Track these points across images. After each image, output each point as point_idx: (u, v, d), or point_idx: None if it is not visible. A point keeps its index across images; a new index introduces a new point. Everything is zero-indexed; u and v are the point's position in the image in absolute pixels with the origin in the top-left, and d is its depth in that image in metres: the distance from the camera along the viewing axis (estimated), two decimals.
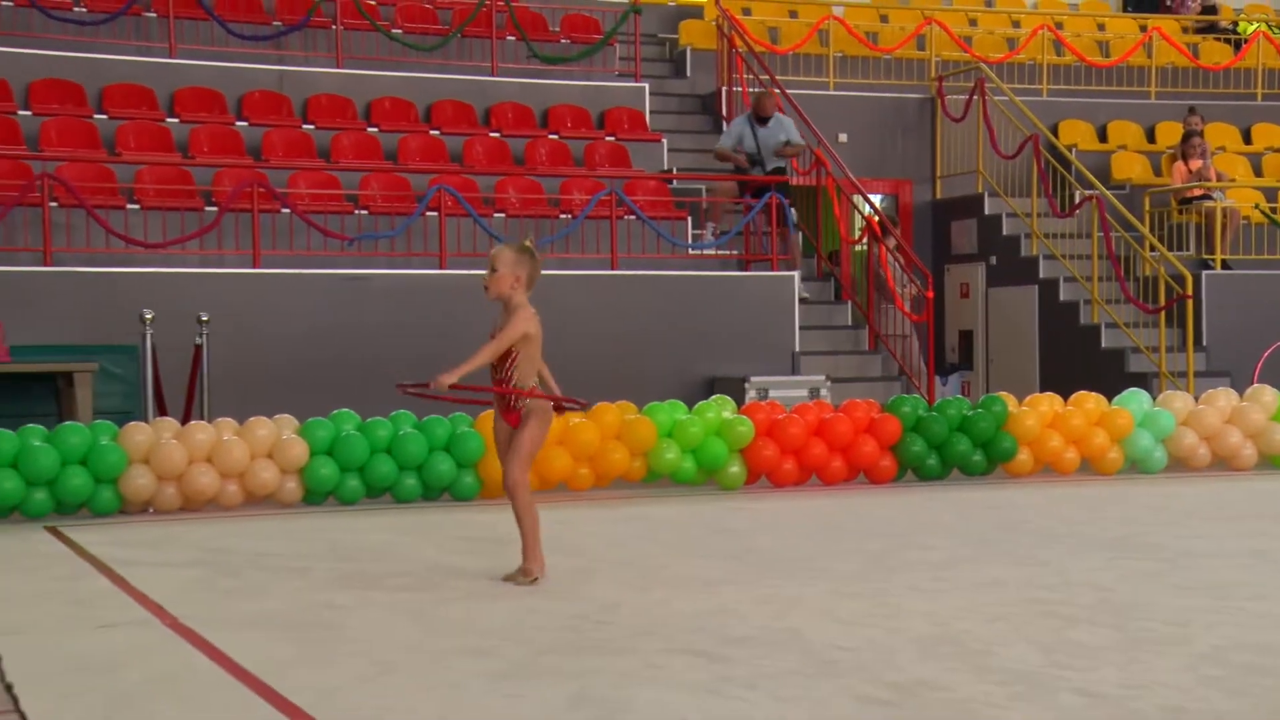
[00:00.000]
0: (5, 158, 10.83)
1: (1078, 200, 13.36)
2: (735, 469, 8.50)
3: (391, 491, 7.91)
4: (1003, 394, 9.25)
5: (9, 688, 3.88)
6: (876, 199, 14.96)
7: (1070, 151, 14.47)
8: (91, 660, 4.21)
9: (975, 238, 14.54)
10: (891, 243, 12.51)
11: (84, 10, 12.97)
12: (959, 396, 9.38)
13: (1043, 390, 11.55)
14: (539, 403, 5.37)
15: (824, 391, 11.10)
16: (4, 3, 12.63)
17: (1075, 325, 13.17)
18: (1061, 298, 13.40)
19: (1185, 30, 17.06)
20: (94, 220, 10.10)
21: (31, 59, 12.20)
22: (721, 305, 11.57)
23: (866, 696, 3.73)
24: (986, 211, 14.43)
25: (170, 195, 10.91)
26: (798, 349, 11.79)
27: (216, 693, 3.84)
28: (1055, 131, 15.06)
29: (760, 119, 12.57)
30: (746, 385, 11.03)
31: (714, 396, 8.86)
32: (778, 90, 13.36)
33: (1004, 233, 14.20)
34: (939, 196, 15.19)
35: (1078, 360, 13.03)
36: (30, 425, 7.40)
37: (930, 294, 11.61)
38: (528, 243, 5.40)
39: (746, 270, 12.24)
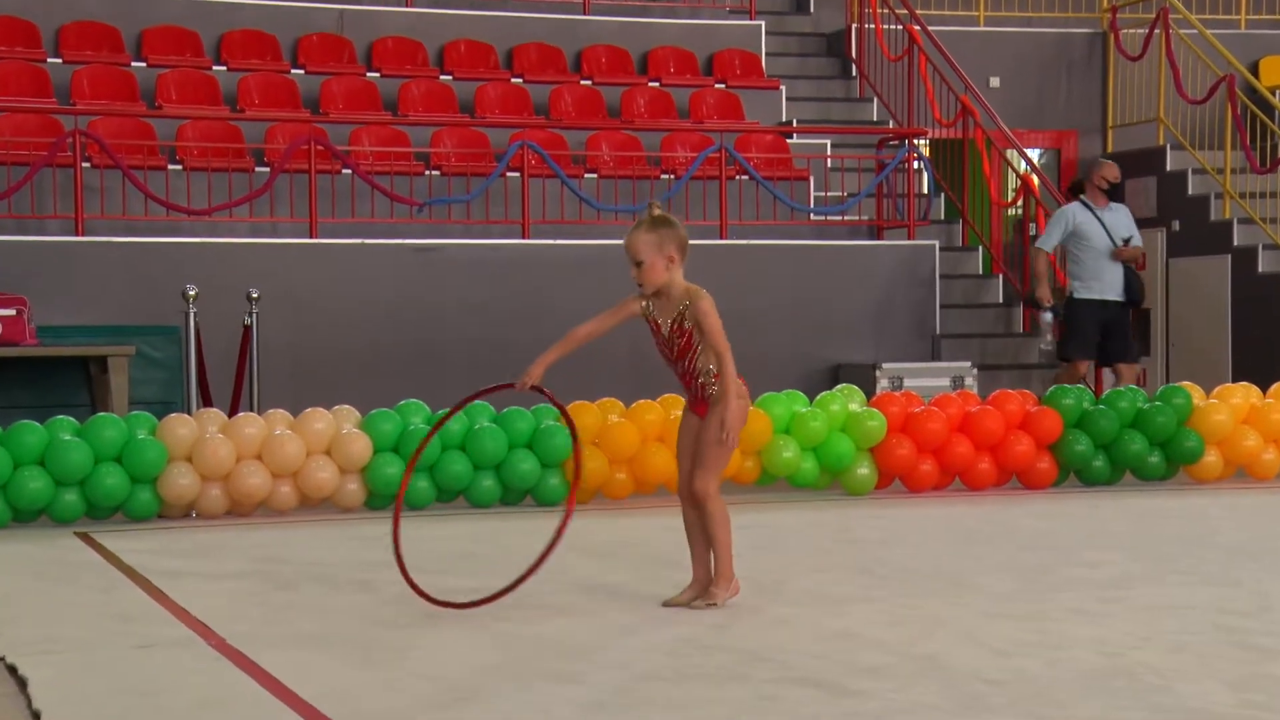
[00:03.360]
0: (32, 111, 11.10)
1: None
2: (864, 470, 8.45)
3: (466, 494, 7.98)
4: (1186, 384, 9.09)
5: (36, 716, 3.98)
6: (1035, 154, 14.74)
7: (1274, 95, 14.11)
8: (127, 684, 4.30)
9: (1154, 199, 14.27)
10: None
11: None
12: (1133, 387, 9.24)
13: (1235, 380, 11.30)
14: (738, 385, 5.30)
15: (969, 381, 10.98)
16: None
17: (1277, 302, 12.87)
18: (1260, 269, 13.10)
19: None
20: (131, 183, 10.32)
21: (61, 0, 12.49)
22: (849, 279, 11.50)
23: None
24: (1169, 167, 14.16)
25: (217, 154, 11.10)
26: (939, 331, 11.68)
27: None
28: (1255, 71, 14.71)
29: (1106, 192, 10.61)
30: (878, 373, 10.96)
31: (839, 386, 8.81)
32: (920, 29, 13.21)
33: (1190, 193, 13.93)
34: (1111, 150, 14.93)
35: (1279, 344, 12.74)
36: (59, 417, 7.57)
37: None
38: (656, 210, 5.32)
39: (879, 239, 12.15)
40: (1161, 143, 14.36)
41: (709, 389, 5.34)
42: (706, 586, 5.36)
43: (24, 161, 10.31)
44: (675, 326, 5.31)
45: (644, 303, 5.33)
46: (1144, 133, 14.66)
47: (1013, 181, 13.78)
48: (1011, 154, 13.17)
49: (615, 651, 4.64)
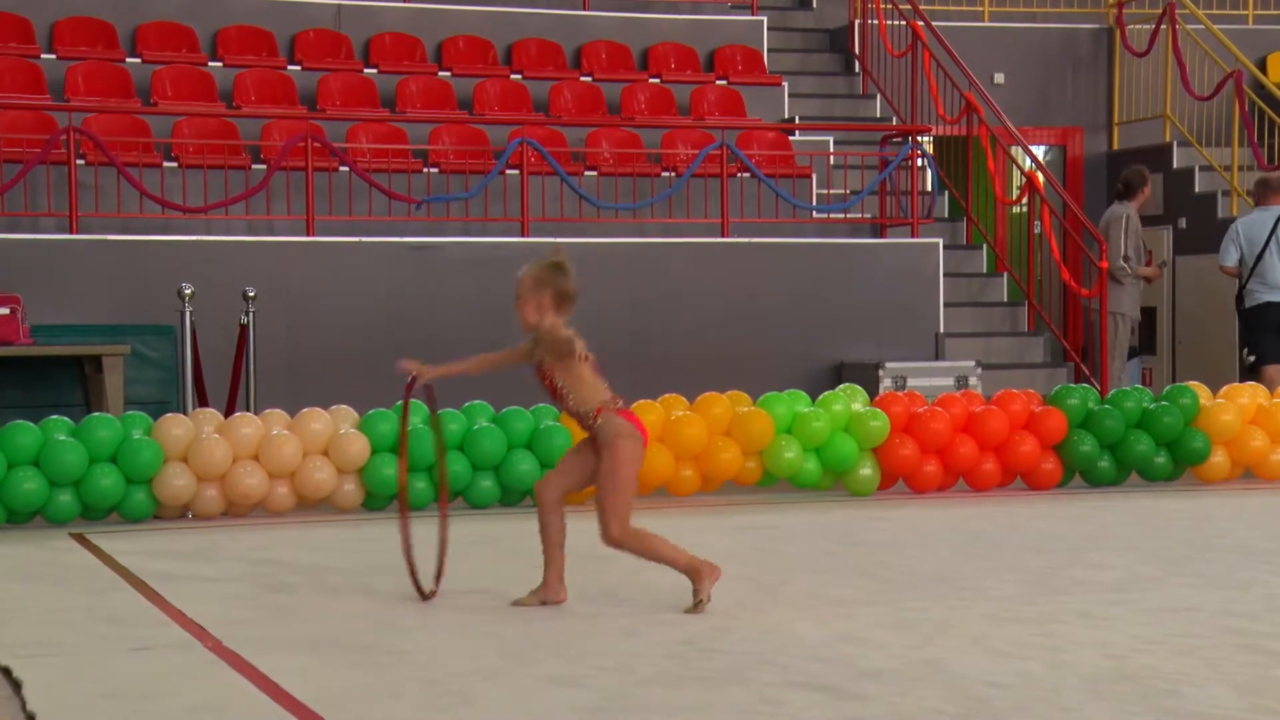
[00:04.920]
0: (25, 108, 11.10)
1: None
2: (867, 471, 8.46)
3: (464, 495, 7.99)
4: (1193, 384, 9.09)
5: (31, 718, 3.98)
6: (1039, 151, 14.74)
7: None
8: (123, 688, 4.31)
9: (1161, 196, 14.26)
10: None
11: None
12: (1138, 386, 9.25)
13: (1243, 380, 11.30)
14: (619, 424, 5.31)
15: (974, 380, 10.99)
16: None
17: None
18: None
19: None
20: (126, 180, 10.32)
21: None
22: (852, 278, 11.50)
23: None
24: (1175, 164, 14.15)
25: (213, 151, 11.10)
26: (942, 329, 11.68)
27: None
28: (1262, 67, 14.70)
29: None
30: (881, 372, 10.96)
31: (842, 386, 8.82)
32: (924, 24, 13.22)
33: (1196, 190, 13.91)
34: (1116, 147, 14.92)
35: None
36: (53, 417, 7.58)
37: (1104, 264, 11.43)
38: (557, 257, 5.36)
39: (882, 237, 12.15)
40: (1168, 139, 14.35)
41: (594, 428, 5.36)
42: (554, 589, 5.39)
43: (18, 159, 10.31)
44: (539, 369, 5.41)
45: (531, 344, 5.39)
46: (1150, 129, 14.65)
47: (1017, 179, 13.78)
48: (1016, 151, 13.18)
49: (615, 654, 4.64)
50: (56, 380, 8.89)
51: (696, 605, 5.27)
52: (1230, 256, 11.34)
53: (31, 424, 7.44)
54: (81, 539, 7.12)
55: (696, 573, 5.32)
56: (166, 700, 4.14)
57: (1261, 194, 11.43)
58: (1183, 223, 14.07)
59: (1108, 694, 4.13)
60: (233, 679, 4.40)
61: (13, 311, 8.54)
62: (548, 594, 5.42)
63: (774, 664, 4.50)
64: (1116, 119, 14.98)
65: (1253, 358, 11.29)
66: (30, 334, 8.73)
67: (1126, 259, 11.51)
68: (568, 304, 5.35)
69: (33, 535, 7.28)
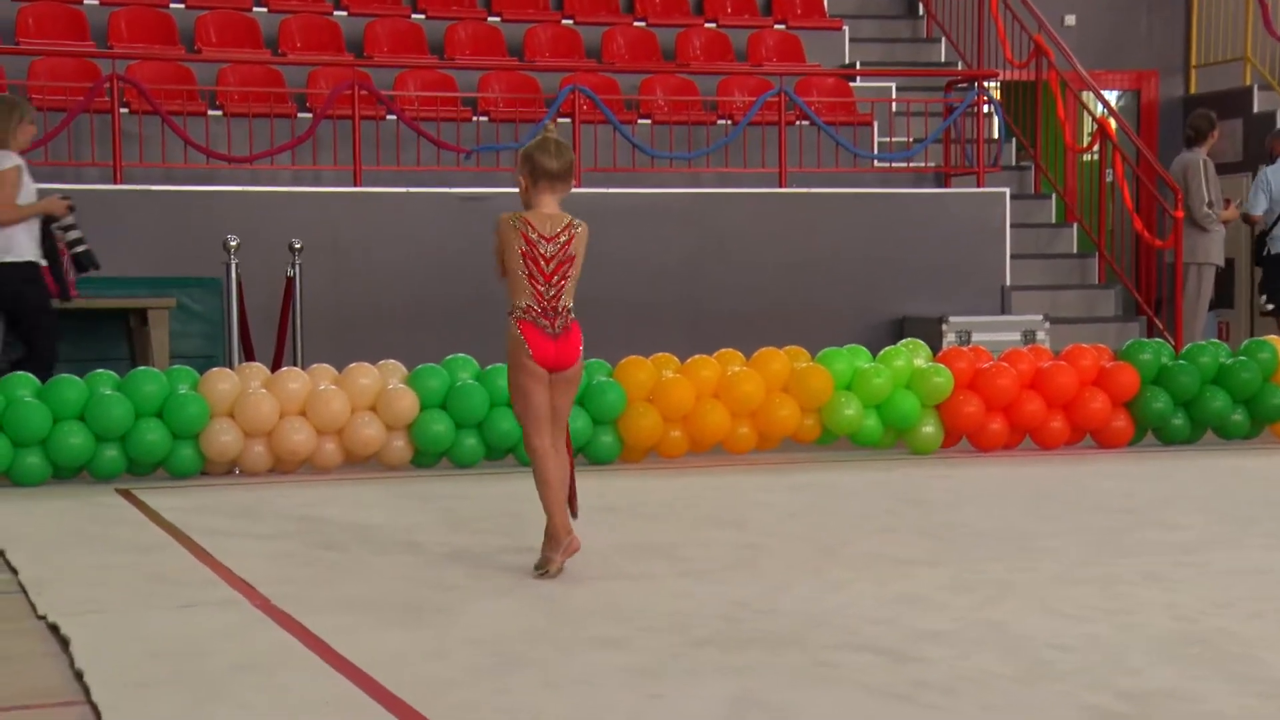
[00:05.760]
0: (68, 54, 11.19)
1: None
2: (930, 429, 8.44)
3: (515, 453, 8.03)
4: (1272, 338, 9.01)
5: (79, 675, 4.06)
6: (1112, 96, 14.58)
7: None
8: (171, 645, 4.38)
9: (1240, 143, 14.09)
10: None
11: None
12: (1214, 341, 9.18)
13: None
14: (509, 332, 5.28)
15: (1041, 335, 10.93)
16: None
17: None
18: None
19: None
20: (170, 129, 10.40)
21: None
22: (915, 229, 11.44)
23: (1091, 706, 3.69)
24: (1256, 109, 13.96)
25: (258, 99, 11.16)
26: (1008, 282, 11.61)
27: (314, 684, 3.96)
28: None
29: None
30: (944, 327, 10.92)
31: (904, 341, 8.79)
32: None
33: None
34: (1193, 91, 14.74)
35: None
36: (99, 371, 7.67)
37: (1179, 213, 11.31)
38: (545, 134, 5.36)
39: (946, 187, 12.07)
40: (1248, 83, 14.15)
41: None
42: (560, 541, 5.29)
43: (60, 107, 10.41)
44: None
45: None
46: (1229, 72, 14.45)
47: (1089, 125, 13.64)
48: (1088, 96, 13.04)
49: (666, 616, 4.67)
50: (101, 334, 8.99)
51: (540, 571, 5.25)
52: (1259, 204, 11.54)
53: (77, 378, 7.53)
54: (128, 495, 7.22)
55: (553, 539, 5.28)
56: (214, 659, 4.20)
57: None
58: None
59: (1177, 657, 4.12)
60: (281, 638, 4.46)
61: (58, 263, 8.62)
62: (560, 547, 5.33)
63: (831, 625, 4.52)
64: (1194, 62, 14.78)
65: (1271, 306, 11.53)
66: (75, 287, 8.83)
67: (1210, 205, 11.42)
68: (545, 180, 5.31)
69: (79, 491, 7.38)
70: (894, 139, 12.38)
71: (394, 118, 10.86)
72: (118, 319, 8.97)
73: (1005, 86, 13.78)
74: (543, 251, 5.27)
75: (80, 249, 8.38)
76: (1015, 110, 13.56)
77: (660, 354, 8.29)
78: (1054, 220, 12.86)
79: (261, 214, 10.18)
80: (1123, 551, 5.68)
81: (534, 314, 5.27)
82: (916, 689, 3.85)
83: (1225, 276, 14.29)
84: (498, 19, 12.85)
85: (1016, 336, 10.87)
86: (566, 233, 5.32)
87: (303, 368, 8.23)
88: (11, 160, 8.04)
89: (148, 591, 5.12)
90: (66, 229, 8.26)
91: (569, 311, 5.34)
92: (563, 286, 5.31)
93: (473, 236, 10.64)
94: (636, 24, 13.09)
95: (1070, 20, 14.37)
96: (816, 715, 3.66)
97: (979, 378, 8.45)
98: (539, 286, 5.26)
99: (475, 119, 11.53)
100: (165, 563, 5.62)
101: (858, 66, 13.29)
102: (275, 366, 8.71)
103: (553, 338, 5.28)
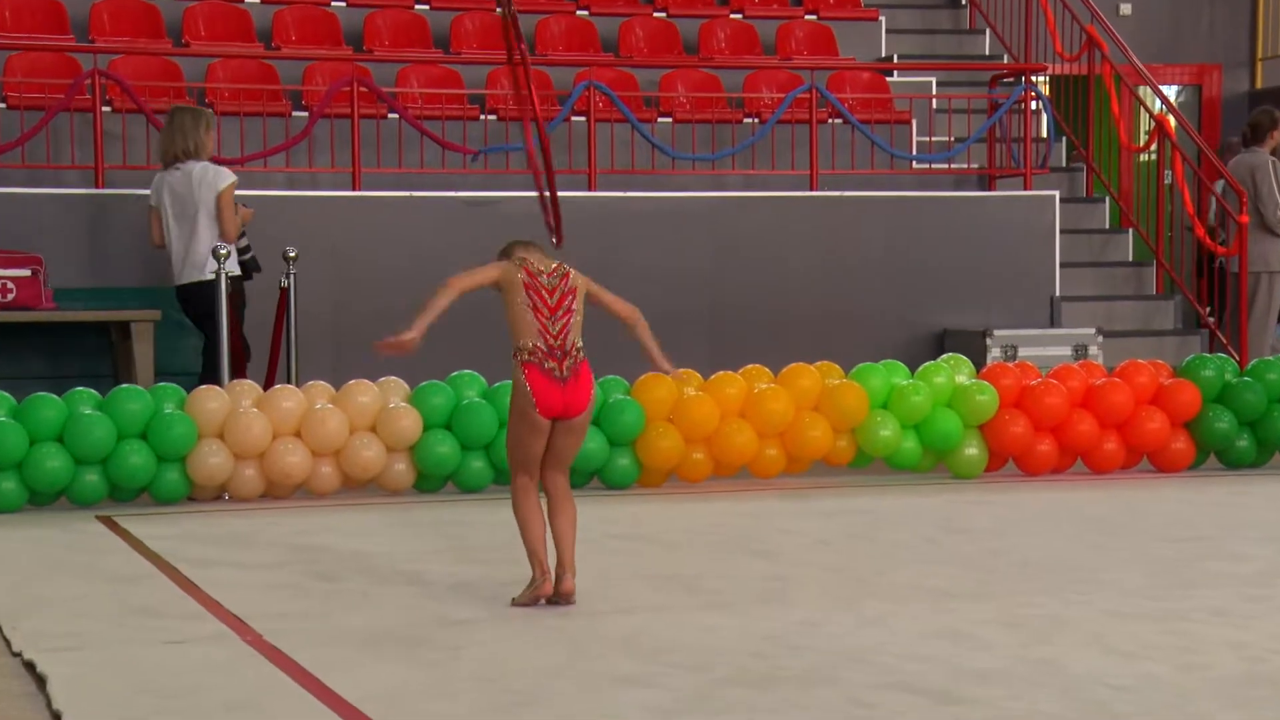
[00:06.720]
0: (46, 49, 11.23)
1: None
2: (973, 450, 8.43)
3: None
4: None
5: (57, 716, 4.06)
6: (1171, 91, 14.57)
7: None
8: (154, 684, 4.38)
9: None
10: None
11: None
12: None
13: None
14: (514, 378, 5.41)
15: (1094, 349, 10.91)
16: None
17: None
18: None
19: None
20: (156, 129, 10.43)
21: None
22: (956, 235, 11.42)
23: None
24: None
25: (250, 96, 11.20)
26: (1058, 293, 11.59)
27: None
28: None
29: None
30: (989, 340, 10.90)
31: (945, 356, 8.79)
32: None
33: None
34: (1259, 86, 14.73)
35: None
36: (79, 389, 7.69)
37: (1244, 218, 11.29)
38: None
39: (990, 189, 12.06)
40: None
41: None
42: (562, 576, 5.33)
43: (38, 105, 10.44)
44: None
45: None
46: None
47: (1145, 123, 13.62)
48: (1144, 91, 13.02)
49: (689, 651, 4.67)
50: (82, 349, 9.02)
51: (515, 599, 5.34)
52: None
53: (55, 396, 7.55)
54: (109, 522, 7.24)
55: (533, 580, 5.33)
56: (203, 697, 4.20)
57: None
58: None
59: (1244, 701, 4.11)
60: (274, 675, 4.46)
61: (34, 273, 8.67)
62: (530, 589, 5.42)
63: (867, 663, 4.51)
64: (1260, 54, 14.77)
65: None
66: (53, 298, 8.86)
67: None
68: (519, 247, 5.70)
69: (57, 518, 7.39)
70: (934, 138, 12.36)
71: (395, 116, 10.89)
72: (99, 332, 8.99)
73: (1055, 81, 13.77)
74: (544, 283, 5.46)
75: (248, 255, 9.13)
76: (1066, 107, 13.54)
77: (682, 369, 8.29)
78: (1108, 226, 12.83)
79: (254, 220, 10.20)
80: (1184, 584, 5.66)
81: (540, 355, 5.34)
82: None
83: None
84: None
85: (1067, 351, 10.85)
86: (560, 269, 5.54)
87: (297, 385, 8.24)
88: (229, 177, 8.80)
89: (131, 625, 5.13)
90: (239, 236, 8.86)
91: (579, 351, 5.39)
92: (567, 321, 5.39)
93: (479, 243, 10.63)
94: (656, 15, 13.11)
95: (1126, 9, 14.38)
96: None
97: (1026, 395, 8.44)
98: (543, 319, 5.38)
99: (482, 117, 11.55)
100: (149, 594, 5.63)
101: (895, 60, 13.29)
102: (268, 384, 8.73)
103: (560, 383, 5.32)
